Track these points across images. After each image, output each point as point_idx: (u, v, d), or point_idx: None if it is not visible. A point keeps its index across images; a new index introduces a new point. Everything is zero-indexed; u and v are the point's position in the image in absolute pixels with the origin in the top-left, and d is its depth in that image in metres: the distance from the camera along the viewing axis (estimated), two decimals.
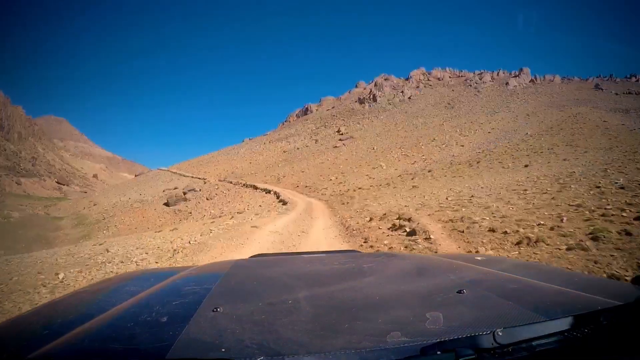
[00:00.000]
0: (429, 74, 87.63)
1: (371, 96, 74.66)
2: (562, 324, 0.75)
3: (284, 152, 56.95)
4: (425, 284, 1.23)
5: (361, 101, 74.76)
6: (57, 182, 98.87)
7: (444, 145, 38.98)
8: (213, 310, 0.93)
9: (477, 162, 26.22)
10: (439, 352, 0.68)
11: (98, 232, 38.37)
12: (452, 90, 75.70)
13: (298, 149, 56.41)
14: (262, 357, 0.68)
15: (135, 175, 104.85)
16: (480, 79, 76.73)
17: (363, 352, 0.70)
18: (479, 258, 1.82)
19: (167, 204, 39.85)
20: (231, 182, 42.14)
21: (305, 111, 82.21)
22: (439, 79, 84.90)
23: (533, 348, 0.71)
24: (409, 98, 73.79)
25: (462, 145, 36.91)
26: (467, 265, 1.52)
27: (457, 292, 1.02)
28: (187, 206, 36.83)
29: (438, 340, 0.71)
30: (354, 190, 23.61)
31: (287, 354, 0.69)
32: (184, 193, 40.31)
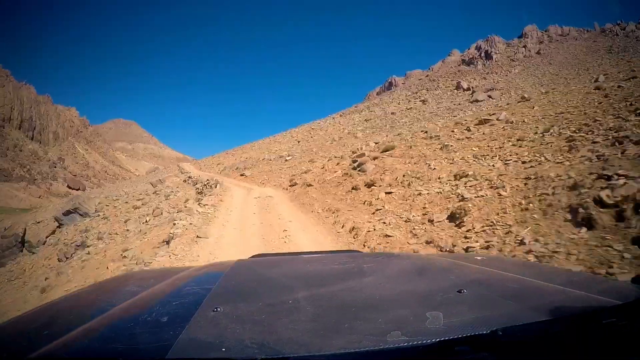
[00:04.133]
0: (545, 31, 65.70)
1: (482, 54, 54.45)
2: (562, 323, 0.75)
3: (366, 120, 37.03)
4: (426, 284, 1.21)
5: (468, 62, 54.68)
6: (69, 187, 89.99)
7: None
8: (213, 310, 0.92)
9: None
10: (439, 352, 0.68)
11: None
12: (594, 42, 53.95)
13: (393, 113, 36.15)
14: (262, 357, 0.67)
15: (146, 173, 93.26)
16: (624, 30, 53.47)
17: (363, 352, 0.69)
18: (479, 258, 1.75)
19: None
20: (206, 185, 17.81)
21: (389, 85, 63.20)
22: (561, 35, 62.82)
23: (533, 348, 0.70)
24: (538, 52, 52.67)
25: None
26: (467, 264, 1.49)
27: (457, 292, 1.00)
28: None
29: (438, 339, 0.70)
30: None
31: (288, 354, 0.68)
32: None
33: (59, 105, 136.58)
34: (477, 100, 30.29)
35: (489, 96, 30.71)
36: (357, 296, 1.05)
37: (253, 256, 2.05)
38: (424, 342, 0.69)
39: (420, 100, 38.03)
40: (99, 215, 17.92)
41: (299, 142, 36.80)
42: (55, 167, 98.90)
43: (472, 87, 37.75)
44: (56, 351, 0.76)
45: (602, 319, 0.71)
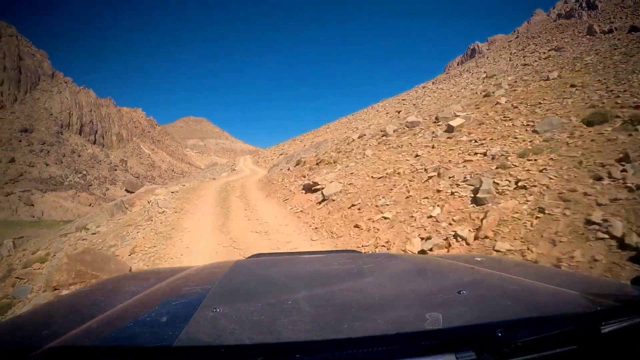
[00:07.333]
0: None
1: (582, 4, 48.91)
2: (562, 324, 0.74)
3: (489, 77, 25.27)
4: (425, 285, 1.21)
5: (567, 16, 49.23)
6: (127, 191, 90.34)
7: None
8: (213, 311, 0.92)
9: None
10: (439, 353, 0.68)
11: None
12: None
13: (525, 65, 25.64)
14: (261, 358, 0.67)
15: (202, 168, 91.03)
16: None
17: (363, 352, 0.69)
18: (478, 259, 1.74)
19: None
20: None
21: (472, 52, 58.19)
22: None
23: (533, 348, 0.70)
24: None
25: None
26: (467, 266, 1.47)
27: (457, 293, 1.00)
28: None
29: (438, 341, 0.70)
30: None
31: (287, 355, 0.69)
32: None
33: (124, 107, 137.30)
34: None
35: None
36: (356, 297, 1.04)
37: (252, 256, 2.00)
38: (424, 343, 0.69)
39: (550, 50, 33.15)
40: None
41: (398, 112, 32.42)
42: (116, 170, 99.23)
43: (616, 28, 32.70)
44: (56, 351, 0.75)
45: (601, 320, 0.71)
